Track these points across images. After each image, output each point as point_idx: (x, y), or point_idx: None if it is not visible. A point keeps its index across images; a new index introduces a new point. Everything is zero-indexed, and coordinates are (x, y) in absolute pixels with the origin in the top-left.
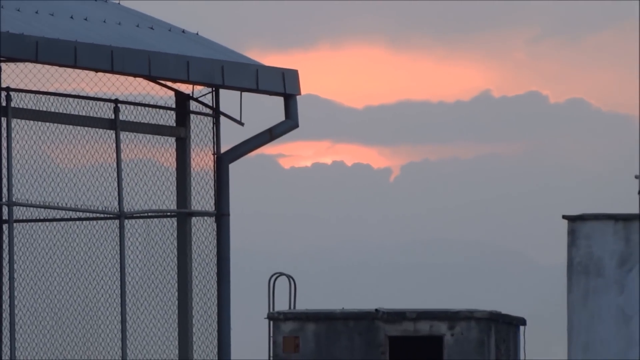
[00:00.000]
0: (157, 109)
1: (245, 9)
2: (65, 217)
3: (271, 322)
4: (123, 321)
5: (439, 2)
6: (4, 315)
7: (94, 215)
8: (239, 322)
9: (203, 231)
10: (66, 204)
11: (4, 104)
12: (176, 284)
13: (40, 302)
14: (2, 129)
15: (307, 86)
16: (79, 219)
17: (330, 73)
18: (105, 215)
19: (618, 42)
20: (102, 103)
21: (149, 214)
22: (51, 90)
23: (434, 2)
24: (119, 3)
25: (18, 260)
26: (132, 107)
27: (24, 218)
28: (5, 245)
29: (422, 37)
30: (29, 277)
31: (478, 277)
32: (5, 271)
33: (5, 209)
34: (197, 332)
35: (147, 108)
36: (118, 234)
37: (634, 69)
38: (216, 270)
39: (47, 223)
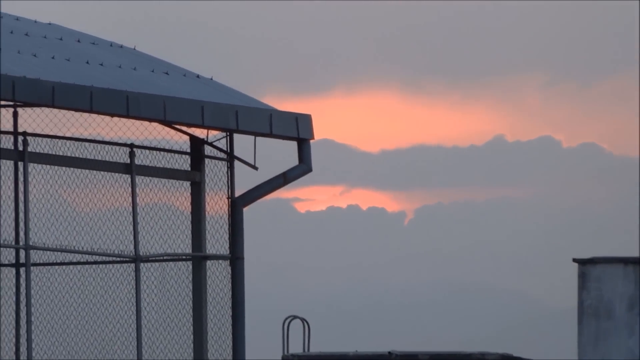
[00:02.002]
0: (172, 154)
1: (260, 55)
2: (82, 260)
3: None
4: None
5: (452, 48)
6: (21, 358)
7: (110, 259)
8: None
9: (218, 274)
10: (82, 248)
11: (20, 148)
12: (191, 327)
13: (57, 344)
14: (19, 173)
15: (322, 131)
16: (95, 262)
17: (345, 118)
18: (121, 259)
19: (628, 87)
20: (117, 147)
21: (164, 257)
22: (67, 134)
23: (447, 48)
24: (134, 48)
25: (35, 303)
26: (147, 151)
27: (41, 262)
28: (22, 289)
29: (435, 83)
30: (46, 319)
31: (490, 319)
32: (23, 314)
33: (22, 253)
34: None
35: (162, 152)
36: (134, 277)
37: None
38: (231, 313)
39: (64, 267)
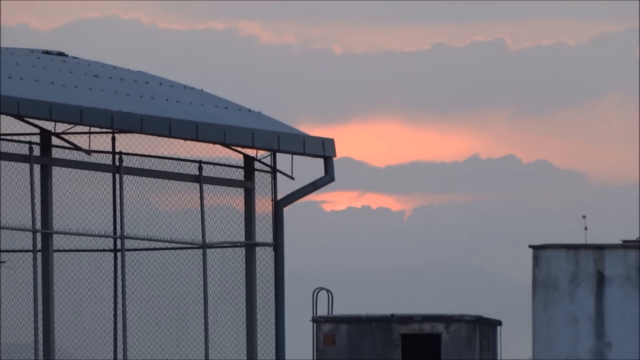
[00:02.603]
0: (230, 168)
1: (297, 95)
2: (163, 247)
3: (314, 324)
4: (206, 325)
5: (440, 88)
6: (118, 320)
7: (184, 245)
8: (290, 326)
9: (264, 257)
10: (163, 237)
11: (117, 164)
12: (244, 297)
13: (144, 311)
14: (117, 182)
15: (342, 151)
16: (173, 248)
17: (360, 141)
18: (192, 246)
19: (575, 116)
20: (190, 163)
21: (225, 244)
22: (152, 153)
23: (436, 89)
24: (202, 90)
25: (128, 279)
26: (211, 166)
27: (132, 248)
28: (119, 268)
29: (428, 115)
30: (136, 292)
31: (468, 290)
32: (120, 287)
33: (119, 241)
34: (260, 336)
35: (223, 167)
36: (202, 260)
37: (587, 137)
38: (274, 286)
39: (150, 252)
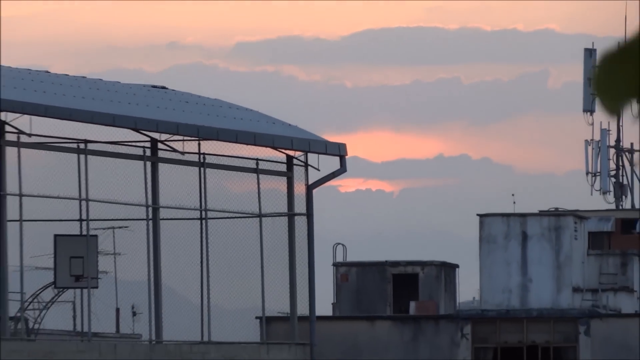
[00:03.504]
0: (277, 163)
1: (320, 112)
2: (232, 216)
3: (334, 267)
4: (262, 271)
5: (418, 108)
6: (204, 269)
7: (249, 215)
8: (317, 269)
9: (300, 224)
10: (234, 210)
11: (202, 160)
12: (287, 250)
13: (221, 263)
14: (201, 173)
15: (352, 152)
16: (240, 217)
17: (364, 145)
18: (252, 215)
19: (507, 126)
20: (250, 160)
21: (274, 214)
22: (225, 154)
23: (415, 109)
24: (257, 111)
25: (210, 239)
26: (265, 162)
27: (212, 217)
28: (204, 231)
29: (410, 126)
30: (215, 249)
31: (436, 245)
32: (204, 245)
33: (204, 213)
34: (298, 276)
35: (272, 162)
36: (258, 226)
37: (515, 141)
38: (307, 243)
39: (224, 220)
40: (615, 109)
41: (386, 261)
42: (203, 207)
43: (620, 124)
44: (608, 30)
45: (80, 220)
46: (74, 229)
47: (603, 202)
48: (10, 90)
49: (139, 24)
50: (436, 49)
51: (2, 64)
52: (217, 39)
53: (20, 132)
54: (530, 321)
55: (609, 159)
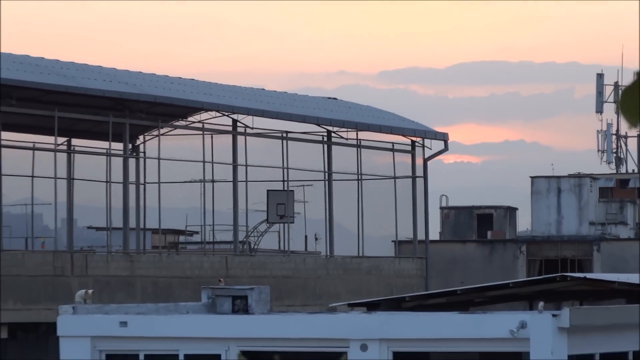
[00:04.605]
0: (405, 145)
1: (431, 112)
2: (378, 178)
3: (440, 210)
4: (396, 215)
5: (492, 108)
6: (359, 214)
7: (387, 177)
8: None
9: (419, 183)
10: (378, 174)
11: (358, 143)
12: (411, 199)
13: (373, 206)
14: (358, 153)
15: (452, 137)
16: (382, 179)
17: (458, 133)
18: (389, 177)
19: (553, 123)
20: (388, 143)
21: (403, 177)
22: (374, 139)
23: (491, 108)
24: (393, 112)
25: (364, 194)
26: (397, 144)
27: (366, 178)
28: (360, 189)
29: (489, 121)
30: (368, 200)
31: (504, 195)
32: (360, 200)
33: (360, 177)
34: (418, 219)
35: (401, 145)
36: (394, 184)
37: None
38: (424, 195)
39: (372, 181)
40: (634, 123)
41: (472, 206)
42: (360, 172)
43: (619, 119)
44: (613, 61)
45: (283, 180)
46: (279, 186)
47: (608, 169)
48: (241, 101)
49: (318, 57)
50: (504, 74)
51: (240, 85)
52: (366, 67)
53: (246, 126)
54: (562, 243)
55: (612, 142)
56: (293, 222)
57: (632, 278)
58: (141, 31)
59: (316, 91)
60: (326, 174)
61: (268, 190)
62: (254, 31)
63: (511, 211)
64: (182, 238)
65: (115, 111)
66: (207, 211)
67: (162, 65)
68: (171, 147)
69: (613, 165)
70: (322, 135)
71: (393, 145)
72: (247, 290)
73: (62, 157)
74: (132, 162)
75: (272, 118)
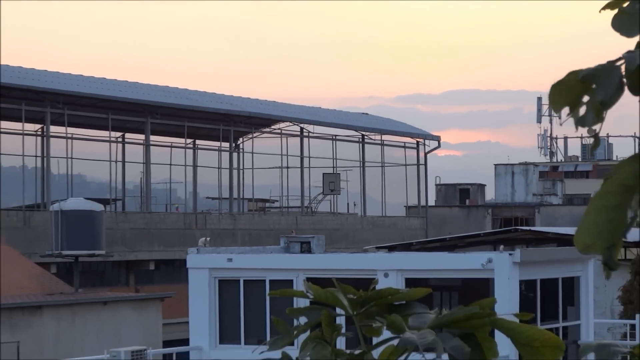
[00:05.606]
0: (413, 144)
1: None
2: (395, 165)
3: (436, 186)
4: (406, 189)
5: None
6: (382, 189)
7: (400, 164)
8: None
9: (422, 169)
10: (395, 162)
11: (382, 142)
12: (417, 179)
13: (392, 183)
14: (382, 149)
15: (444, 138)
16: (397, 166)
17: (445, 136)
18: (402, 164)
19: (509, 132)
20: (401, 141)
21: (411, 164)
22: (393, 140)
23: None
24: (406, 123)
25: (386, 176)
26: (408, 143)
27: (387, 165)
28: (384, 174)
29: (467, 129)
30: (389, 179)
31: (475, 175)
32: (383, 179)
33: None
34: (421, 192)
35: (410, 143)
36: (405, 169)
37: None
38: (425, 176)
39: (390, 167)
40: (557, 109)
41: (456, 183)
42: (383, 161)
43: (552, 127)
44: (547, 88)
45: (333, 167)
46: (330, 170)
47: (544, 159)
48: (305, 115)
49: (355, 87)
50: (476, 98)
51: (304, 104)
52: (387, 93)
53: (309, 131)
54: (515, 207)
55: (547, 142)
56: (339, 194)
57: (560, 230)
58: (246, 62)
59: (354, 109)
60: (361, 162)
61: (323, 174)
62: (316, 69)
63: (481, 187)
64: (267, 204)
65: (224, 122)
66: (283, 187)
67: (258, 90)
68: (260, 146)
69: (548, 157)
70: (358, 138)
71: (405, 144)
72: (309, 238)
73: (190, 153)
74: (235, 155)
75: (326, 126)
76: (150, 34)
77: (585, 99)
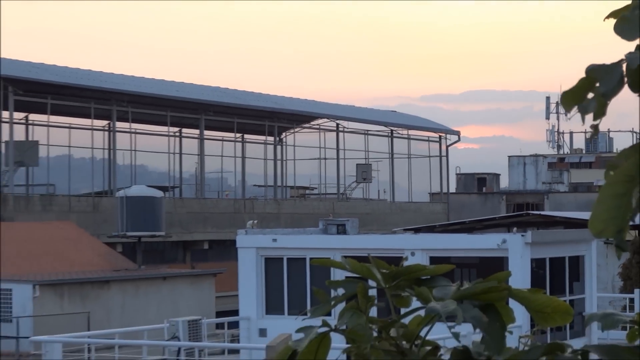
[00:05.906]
0: (436, 138)
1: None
2: (420, 157)
3: (456, 175)
4: (430, 179)
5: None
6: (409, 179)
7: (424, 156)
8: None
9: (444, 160)
10: (419, 154)
11: (408, 136)
12: (439, 169)
13: (417, 173)
14: (409, 142)
15: (463, 133)
16: (421, 157)
17: (464, 131)
18: (426, 156)
19: (521, 128)
20: (426, 136)
21: (434, 156)
22: (418, 134)
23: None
24: (431, 120)
25: (413, 168)
26: (432, 137)
27: (413, 157)
28: (410, 166)
29: (486, 126)
30: (414, 170)
31: (490, 166)
32: (410, 170)
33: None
34: (442, 181)
35: (434, 137)
36: (429, 161)
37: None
38: (447, 167)
39: (415, 159)
40: (568, 108)
41: (474, 173)
42: (409, 153)
43: (559, 123)
44: (555, 89)
45: (366, 158)
46: (363, 161)
47: (552, 151)
48: (341, 112)
49: (385, 87)
50: (493, 97)
51: (340, 103)
52: (412, 93)
53: (344, 127)
54: (526, 194)
55: (555, 136)
56: (371, 182)
57: (567, 214)
58: (288, 66)
59: (384, 107)
60: (390, 154)
61: (357, 164)
62: (351, 73)
63: (497, 176)
64: (307, 191)
65: (269, 119)
66: (321, 176)
67: (299, 90)
68: (301, 139)
69: (555, 150)
70: (387, 132)
71: (428, 138)
72: (344, 221)
73: (239, 146)
74: (279, 148)
75: (359, 122)
76: (204, 39)
77: (590, 95)
